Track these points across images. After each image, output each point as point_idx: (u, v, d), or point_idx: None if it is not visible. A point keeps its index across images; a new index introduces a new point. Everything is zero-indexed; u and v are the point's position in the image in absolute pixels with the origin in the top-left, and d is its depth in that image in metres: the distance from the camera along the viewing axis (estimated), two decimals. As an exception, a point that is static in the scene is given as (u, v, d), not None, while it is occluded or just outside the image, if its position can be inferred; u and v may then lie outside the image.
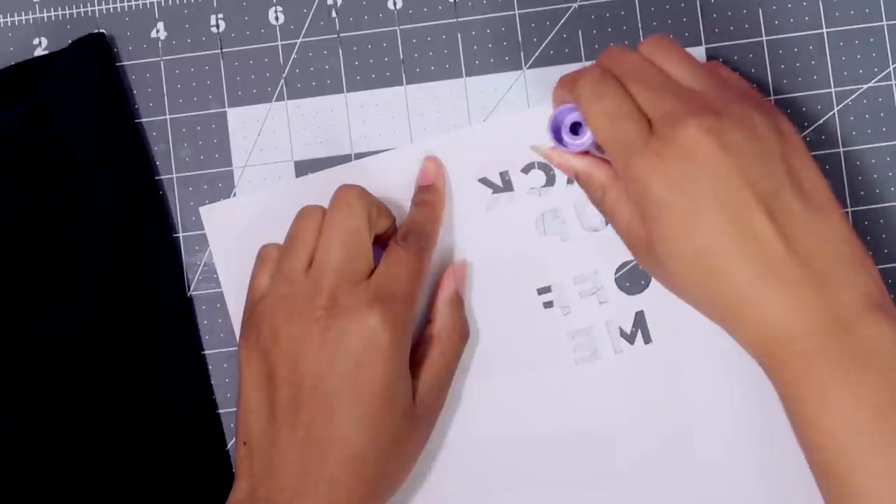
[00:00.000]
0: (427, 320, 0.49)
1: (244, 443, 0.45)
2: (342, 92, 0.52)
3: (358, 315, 0.44)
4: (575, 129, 0.47)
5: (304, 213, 0.47)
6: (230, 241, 0.51)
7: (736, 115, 0.42)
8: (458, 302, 0.49)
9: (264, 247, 0.48)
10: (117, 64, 0.52)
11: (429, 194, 0.50)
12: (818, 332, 0.40)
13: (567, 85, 0.46)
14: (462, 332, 0.48)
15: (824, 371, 0.39)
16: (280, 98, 0.52)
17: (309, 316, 0.44)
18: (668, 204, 0.41)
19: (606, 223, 0.49)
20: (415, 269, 0.46)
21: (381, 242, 0.48)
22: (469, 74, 0.52)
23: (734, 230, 0.40)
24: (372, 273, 0.46)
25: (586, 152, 0.47)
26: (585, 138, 0.46)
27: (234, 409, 0.48)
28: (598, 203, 0.46)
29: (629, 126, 0.42)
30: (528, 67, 0.52)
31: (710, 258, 0.41)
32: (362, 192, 0.46)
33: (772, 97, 0.51)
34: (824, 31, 0.51)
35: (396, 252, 0.46)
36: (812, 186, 0.42)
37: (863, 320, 0.40)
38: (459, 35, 0.52)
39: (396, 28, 0.52)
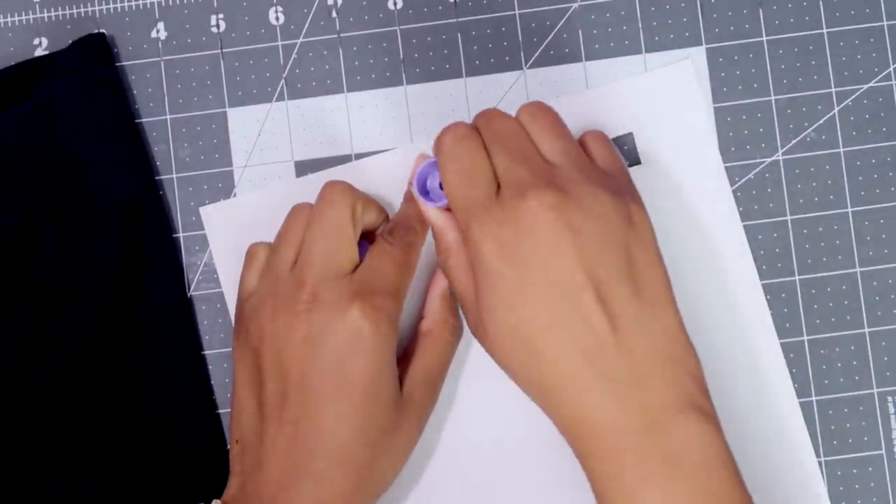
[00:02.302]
0: (420, 316, 0.49)
1: (236, 441, 0.46)
2: (342, 92, 0.52)
3: (339, 309, 0.44)
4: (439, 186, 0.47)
5: (293, 211, 0.48)
6: (230, 241, 0.51)
7: (585, 196, 0.41)
8: (450, 298, 0.49)
9: (252, 245, 0.49)
10: (117, 64, 0.52)
11: None
12: (632, 429, 0.39)
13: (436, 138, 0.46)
14: (453, 328, 0.48)
15: (635, 470, 0.39)
16: (280, 98, 0.52)
17: (292, 311, 0.44)
18: (499, 273, 0.41)
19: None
20: (400, 262, 0.46)
21: (371, 238, 0.48)
22: (469, 74, 0.52)
23: (561, 312, 0.40)
24: (357, 268, 0.46)
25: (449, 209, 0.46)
26: (442, 201, 0.46)
27: (234, 409, 0.48)
28: (441, 263, 0.46)
29: (477, 188, 0.42)
30: (528, 67, 0.52)
31: (532, 337, 0.40)
32: (346, 188, 0.47)
33: (772, 97, 0.51)
34: (824, 31, 0.51)
35: (381, 246, 0.46)
36: (650, 279, 0.41)
37: (678, 420, 0.39)
38: (459, 35, 0.52)
39: (396, 28, 0.52)
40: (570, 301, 0.40)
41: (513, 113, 0.45)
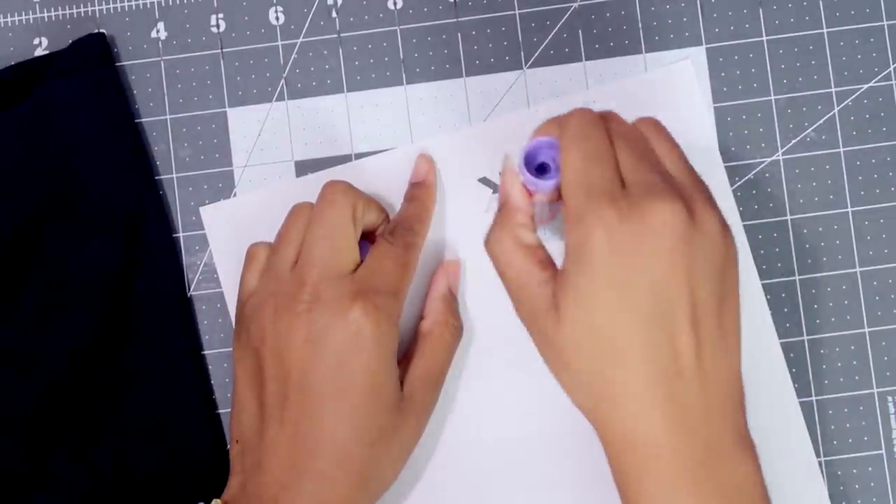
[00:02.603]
0: (420, 316, 0.49)
1: (236, 441, 0.46)
2: (342, 92, 0.52)
3: (340, 308, 0.44)
4: (539, 169, 0.44)
5: (294, 211, 0.48)
6: (230, 241, 0.51)
7: (706, 219, 0.40)
8: (450, 298, 0.49)
9: (252, 245, 0.49)
10: (117, 64, 0.52)
11: (419, 190, 0.50)
12: (693, 456, 0.39)
13: (556, 120, 0.44)
14: (453, 329, 0.48)
15: (689, 496, 0.39)
16: (280, 98, 0.52)
17: (293, 311, 0.44)
18: (604, 264, 0.39)
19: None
20: (400, 262, 0.46)
21: (372, 238, 0.48)
22: (469, 74, 0.52)
23: (655, 322, 0.39)
24: (358, 267, 0.46)
25: (531, 193, 0.44)
26: (548, 181, 0.43)
27: (234, 409, 0.48)
28: (496, 241, 0.43)
29: (603, 174, 0.40)
30: (528, 67, 0.52)
31: (615, 337, 0.39)
32: (347, 188, 0.46)
33: (772, 97, 0.51)
34: (824, 31, 0.51)
35: (382, 246, 0.46)
36: (731, 316, 0.41)
37: (734, 455, 0.39)
38: (459, 35, 0.52)
39: (396, 28, 0.52)
40: (666, 314, 0.39)
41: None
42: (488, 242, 0.44)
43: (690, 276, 0.39)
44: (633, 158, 0.41)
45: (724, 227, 0.41)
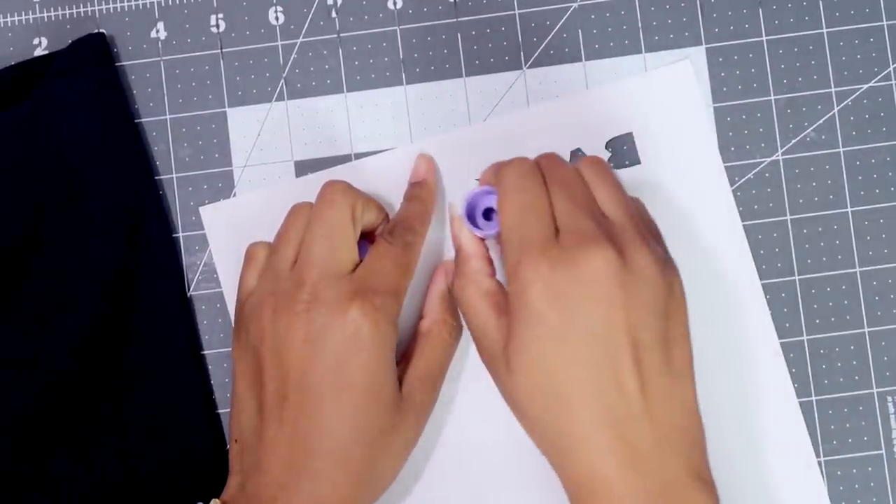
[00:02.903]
0: (420, 316, 0.49)
1: (236, 440, 0.46)
2: (342, 92, 0.52)
3: (339, 308, 0.44)
4: (487, 214, 0.46)
5: (293, 211, 0.48)
6: (230, 241, 0.51)
7: (641, 260, 0.41)
8: (450, 298, 0.49)
9: (252, 245, 0.49)
10: (117, 64, 0.52)
11: (419, 190, 0.50)
12: (644, 496, 0.39)
13: (496, 168, 0.45)
14: (452, 328, 0.48)
15: None
16: (280, 98, 0.52)
17: (292, 310, 0.44)
18: (542, 316, 0.40)
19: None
20: (400, 262, 0.46)
21: (372, 238, 0.48)
22: (469, 74, 0.52)
23: (597, 368, 0.40)
24: (357, 267, 0.46)
25: (482, 239, 0.46)
26: (493, 227, 0.45)
27: (234, 409, 0.48)
28: (459, 290, 0.45)
29: (536, 226, 0.42)
30: (528, 67, 0.52)
31: (562, 386, 0.40)
32: (346, 188, 0.47)
33: (772, 97, 0.51)
34: (824, 31, 0.51)
35: (381, 246, 0.46)
36: (679, 352, 0.41)
37: (687, 492, 0.39)
38: (459, 35, 0.52)
39: (396, 28, 0.52)
40: (607, 359, 0.40)
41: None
42: (454, 290, 0.46)
43: (629, 319, 0.40)
44: (567, 205, 0.42)
45: (663, 264, 0.42)
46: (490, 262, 0.46)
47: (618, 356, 0.40)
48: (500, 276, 0.45)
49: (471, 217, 0.46)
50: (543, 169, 0.44)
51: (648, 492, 0.39)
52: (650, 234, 0.43)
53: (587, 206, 0.42)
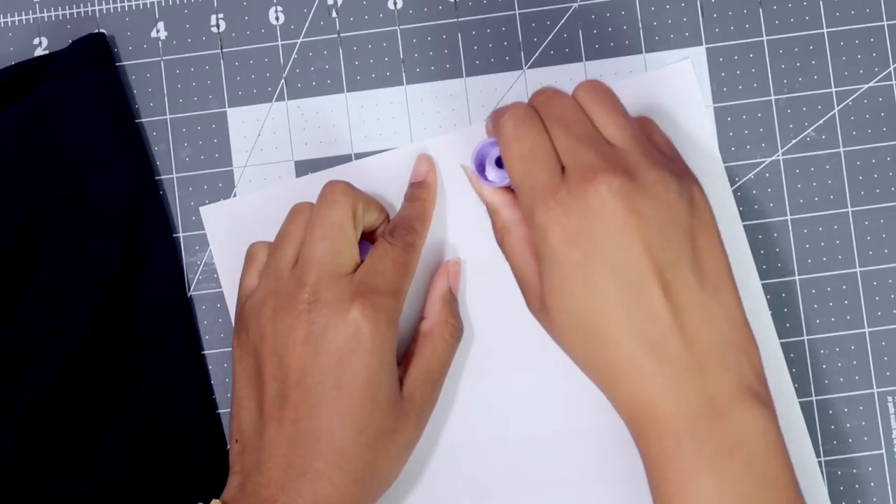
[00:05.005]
0: (420, 316, 0.49)
1: (236, 440, 0.46)
2: (342, 92, 0.52)
3: (339, 308, 0.44)
4: (500, 162, 0.46)
5: (294, 211, 0.48)
6: (230, 241, 0.51)
7: (651, 180, 0.41)
8: (451, 298, 0.49)
9: (252, 245, 0.49)
10: (117, 64, 0.52)
11: (419, 190, 0.50)
12: (690, 414, 0.39)
13: (494, 118, 0.46)
14: (453, 329, 0.48)
15: (691, 455, 0.39)
16: (280, 98, 0.52)
17: (293, 310, 0.44)
18: (564, 257, 0.41)
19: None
20: (400, 263, 0.46)
21: (372, 238, 0.48)
22: (469, 74, 0.52)
23: (624, 297, 0.40)
24: (358, 268, 0.46)
25: (506, 187, 0.47)
26: (505, 177, 0.46)
27: (234, 409, 0.48)
28: (500, 243, 0.46)
29: (541, 171, 0.42)
30: (528, 67, 0.52)
31: (595, 320, 0.41)
32: (347, 188, 0.47)
33: (772, 97, 0.51)
34: (824, 31, 0.51)
35: (382, 246, 0.46)
36: (712, 264, 0.41)
37: (735, 407, 0.39)
38: (459, 35, 0.52)
39: (396, 28, 0.52)
40: (634, 287, 0.40)
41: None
42: (498, 243, 0.47)
43: (647, 242, 0.40)
44: (567, 141, 0.42)
45: (677, 179, 0.41)
46: (518, 207, 0.46)
47: (643, 282, 0.40)
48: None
49: (484, 169, 0.47)
50: (539, 108, 0.44)
51: (694, 410, 0.39)
52: (659, 151, 0.43)
53: (587, 137, 0.42)
